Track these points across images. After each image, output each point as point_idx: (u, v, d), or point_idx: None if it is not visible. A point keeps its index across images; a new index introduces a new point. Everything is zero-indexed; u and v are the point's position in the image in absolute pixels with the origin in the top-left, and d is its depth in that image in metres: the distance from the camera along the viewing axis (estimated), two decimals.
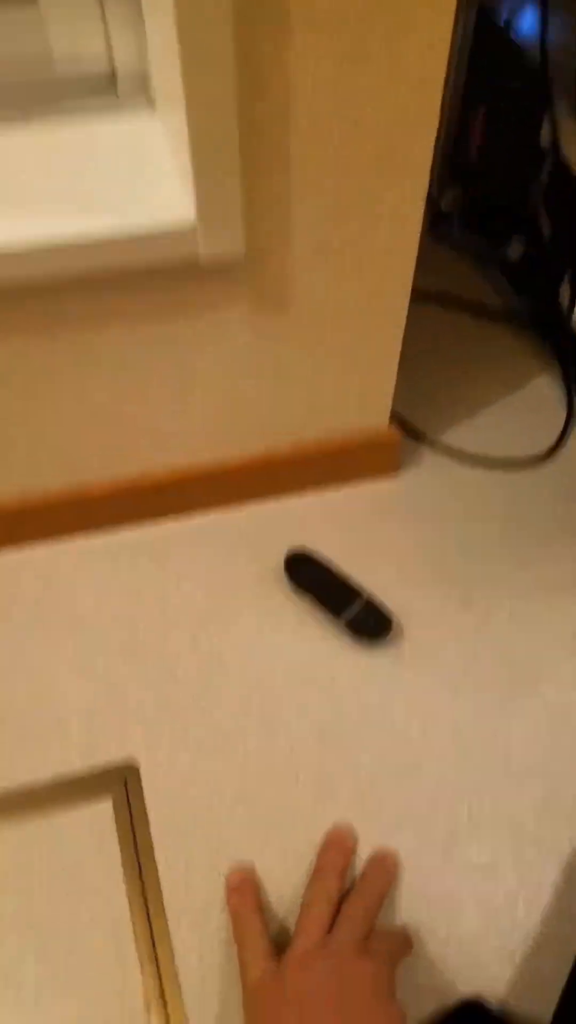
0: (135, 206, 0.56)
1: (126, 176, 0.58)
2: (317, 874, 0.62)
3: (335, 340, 0.72)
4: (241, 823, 0.67)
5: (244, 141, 0.54)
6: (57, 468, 0.78)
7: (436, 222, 1.17)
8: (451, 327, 1.10)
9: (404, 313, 0.73)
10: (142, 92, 0.63)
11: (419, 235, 0.65)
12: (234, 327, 0.67)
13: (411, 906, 0.62)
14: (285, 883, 0.64)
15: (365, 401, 0.81)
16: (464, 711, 0.73)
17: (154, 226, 0.55)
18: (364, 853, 0.65)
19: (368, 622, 0.78)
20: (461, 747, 0.71)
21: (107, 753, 0.71)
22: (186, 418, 0.76)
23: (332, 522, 0.89)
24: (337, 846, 0.65)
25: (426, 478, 0.94)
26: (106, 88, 0.63)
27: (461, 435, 0.98)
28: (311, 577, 0.82)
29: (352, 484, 0.91)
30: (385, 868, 0.64)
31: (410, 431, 0.96)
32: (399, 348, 0.76)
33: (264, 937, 0.58)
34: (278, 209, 0.59)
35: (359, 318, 0.71)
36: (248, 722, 0.73)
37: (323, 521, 0.89)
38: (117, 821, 0.67)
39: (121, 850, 0.65)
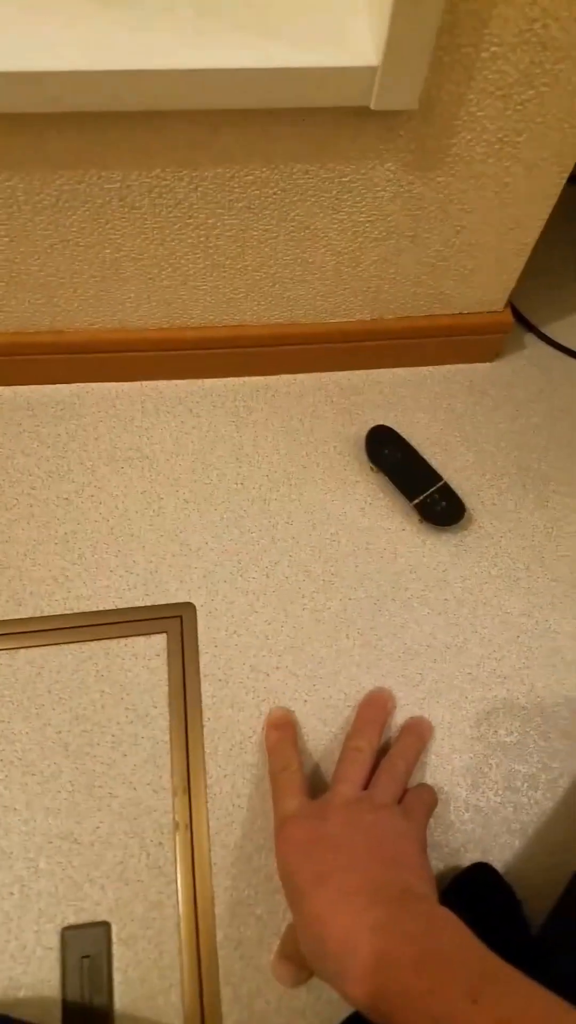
0: (312, 39, 0.53)
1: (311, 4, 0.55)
2: (358, 725, 0.72)
3: (479, 212, 0.71)
4: (286, 671, 0.75)
5: None
6: (157, 308, 0.79)
7: None
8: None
9: (556, 194, 0.70)
10: None
11: None
12: (380, 180, 0.66)
13: (437, 771, 0.72)
14: (323, 732, 0.73)
15: (489, 281, 0.81)
16: (517, 604, 0.80)
17: (332, 66, 0.53)
18: (399, 719, 0.75)
19: (439, 507, 0.83)
20: (508, 636, 0.78)
21: (167, 592, 0.78)
22: (301, 273, 0.76)
23: (423, 400, 0.91)
24: (378, 704, 0.74)
25: (525, 367, 0.95)
26: None
27: (568, 327, 0.97)
28: (391, 455, 0.86)
29: (451, 363, 0.93)
30: (420, 732, 0.73)
31: (519, 317, 0.95)
32: (539, 231, 0.75)
33: (300, 773, 0.67)
34: (461, 68, 0.56)
35: (510, 192, 0.69)
36: (306, 581, 0.80)
37: (414, 398, 0.91)
38: (169, 654, 0.75)
39: (169, 681, 0.74)
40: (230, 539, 0.81)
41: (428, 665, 0.77)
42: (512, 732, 0.74)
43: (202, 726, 0.73)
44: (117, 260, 0.71)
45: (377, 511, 0.84)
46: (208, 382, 0.90)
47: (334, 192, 0.66)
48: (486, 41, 0.55)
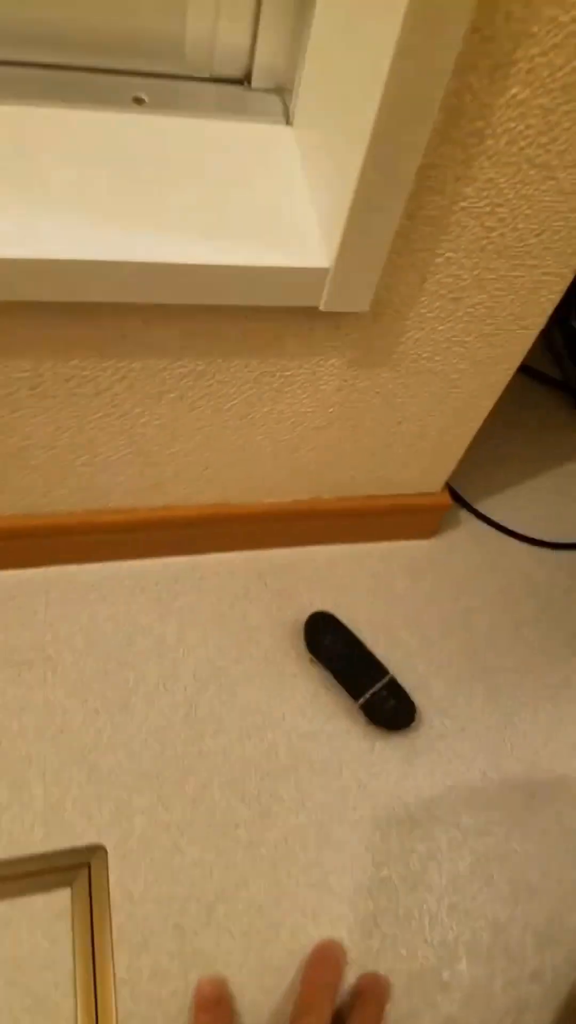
0: (260, 237, 0.49)
1: (256, 197, 0.51)
2: (306, 996, 0.60)
3: (423, 404, 0.68)
4: (218, 927, 0.63)
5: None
6: (71, 494, 0.70)
7: None
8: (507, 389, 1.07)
9: (501, 389, 0.69)
10: (277, 104, 0.56)
11: (548, 314, 0.61)
12: (324, 375, 0.61)
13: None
14: (264, 1004, 0.61)
15: (429, 465, 0.77)
16: (474, 820, 0.71)
17: (282, 266, 0.48)
18: (351, 974, 0.63)
19: (388, 707, 0.75)
20: (467, 863, 0.69)
21: (72, 831, 0.65)
22: (236, 459, 0.70)
23: (361, 581, 0.85)
24: (328, 962, 0.62)
25: (464, 544, 0.91)
26: (235, 91, 0.55)
27: (504, 505, 0.95)
28: (332, 646, 0.78)
29: (388, 540, 0.88)
30: (378, 997, 0.62)
31: (454, 495, 0.93)
32: (482, 421, 0.73)
33: None
34: (414, 271, 0.53)
35: (455, 387, 0.66)
36: (240, 806, 0.69)
37: (352, 578, 0.85)
38: (74, 915, 0.61)
39: (75, 952, 0.60)
40: (149, 757, 0.70)
41: (383, 904, 0.66)
42: (477, 978, 0.64)
43: (116, 1010, 0.59)
44: (24, 448, 0.63)
45: (319, 711, 0.75)
46: (127, 564, 0.81)
47: (276, 384, 0.61)
48: (442, 247, 0.52)
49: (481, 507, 0.94)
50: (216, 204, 0.50)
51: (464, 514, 0.93)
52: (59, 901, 0.62)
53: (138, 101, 0.54)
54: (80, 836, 0.65)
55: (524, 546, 0.92)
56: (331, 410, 0.66)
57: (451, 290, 0.56)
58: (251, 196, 0.51)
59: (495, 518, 0.93)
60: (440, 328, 0.59)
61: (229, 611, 0.80)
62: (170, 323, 0.54)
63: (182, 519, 0.76)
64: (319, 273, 0.50)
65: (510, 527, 0.93)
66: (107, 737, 0.70)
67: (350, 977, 0.63)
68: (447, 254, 0.53)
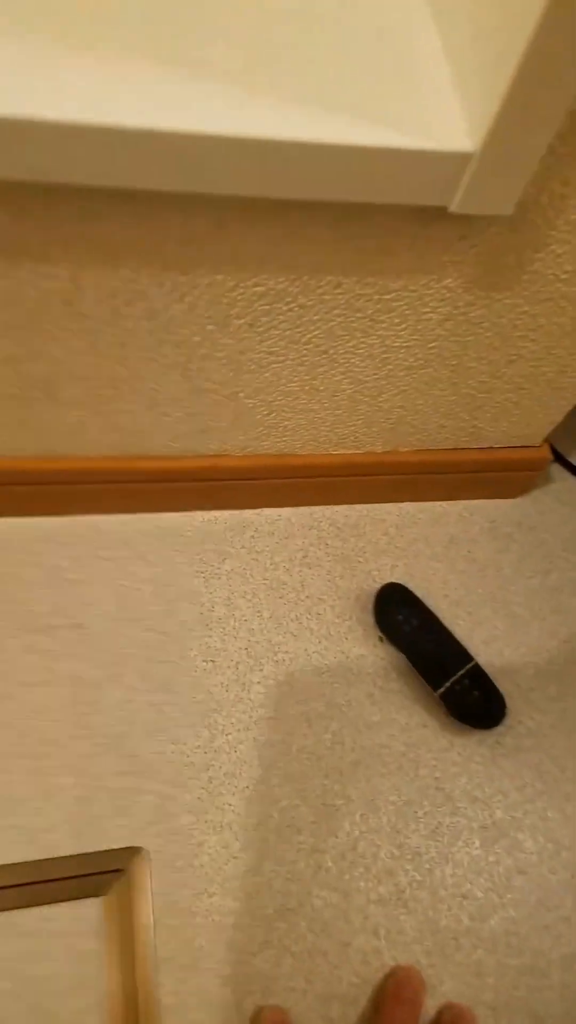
0: (383, 114, 0.36)
1: (375, 62, 0.38)
2: None
3: (544, 339, 0.55)
4: (278, 947, 0.54)
5: None
6: (104, 434, 0.59)
7: None
8: None
9: None
10: None
11: None
12: (433, 300, 0.48)
13: None
14: None
15: (532, 416, 0.64)
16: (568, 833, 0.62)
17: (410, 148, 0.35)
18: (431, 1006, 0.55)
19: (472, 699, 0.65)
20: (561, 878, 0.60)
21: (105, 833, 0.56)
22: (307, 402, 0.57)
23: (437, 546, 0.74)
24: (404, 997, 0.54)
25: (556, 506, 0.79)
26: None
27: None
28: (405, 623, 0.67)
29: (467, 499, 0.76)
30: None
31: (556, 453, 0.80)
32: None
33: None
34: (573, 163, 0.41)
35: None
36: (301, 806, 0.59)
37: (426, 542, 0.74)
38: (108, 929, 0.53)
39: (107, 974, 0.51)
40: (196, 745, 0.61)
41: (468, 925, 0.58)
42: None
43: None
44: (54, 378, 0.51)
45: (390, 700, 0.66)
46: (166, 518, 0.70)
47: (370, 311, 0.49)
48: None
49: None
50: (326, 66, 0.37)
51: (557, 470, 0.80)
52: (90, 913, 0.54)
53: None
54: (114, 837, 0.56)
55: None
56: (432, 346, 0.53)
57: None
58: (369, 60, 0.38)
59: None
60: None
61: (285, 578, 0.70)
62: (251, 224, 0.41)
63: (234, 470, 0.65)
64: (458, 160, 0.37)
65: None
66: (145, 721, 0.61)
67: (430, 1008, 0.55)
68: None
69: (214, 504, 0.70)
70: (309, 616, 0.68)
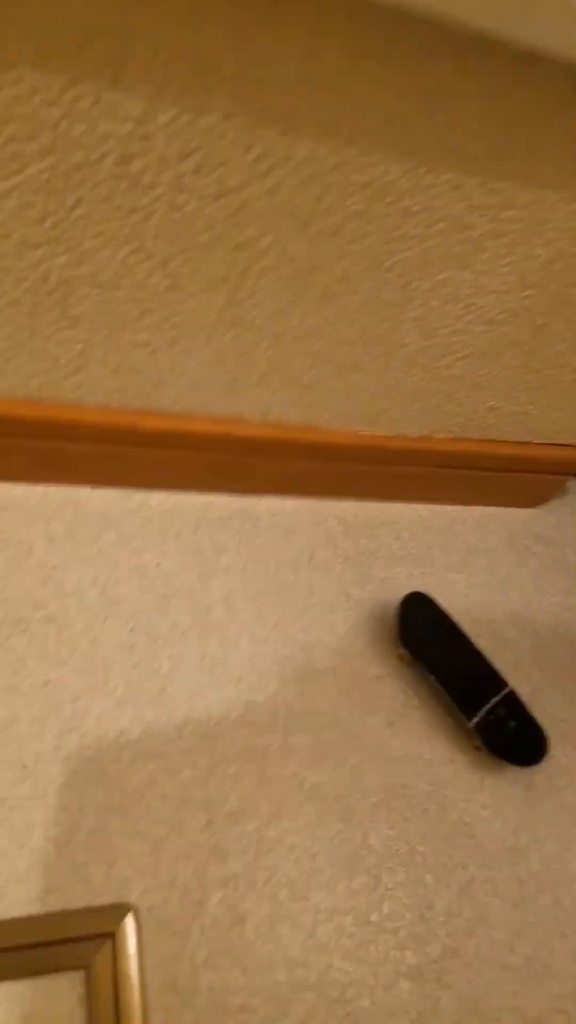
0: None
1: None
2: None
3: None
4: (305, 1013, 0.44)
5: None
6: (119, 375, 0.48)
7: None
8: None
9: None
10: None
11: None
12: (556, 226, 0.41)
13: None
14: None
15: None
16: None
17: None
18: None
19: (508, 731, 0.56)
20: None
21: (88, 883, 0.43)
22: (356, 358, 0.49)
23: (454, 555, 0.66)
24: None
25: (573, 519, 0.73)
26: None
27: None
28: (430, 638, 0.58)
29: (484, 505, 0.69)
30: None
31: None
32: None
33: None
34: None
35: None
36: (320, 854, 0.49)
37: (442, 549, 0.65)
38: (92, 1008, 0.40)
39: None
40: (193, 776, 0.49)
41: (509, 988, 0.48)
42: None
43: None
44: (71, 279, 0.40)
45: (412, 728, 0.56)
46: (156, 497, 0.59)
47: (477, 233, 0.41)
48: None
49: None
50: None
51: (572, 484, 0.75)
52: (69, 989, 0.40)
53: None
54: (98, 891, 0.43)
55: None
56: (526, 295, 0.46)
57: None
58: None
59: None
60: None
61: (291, 579, 0.60)
62: (388, 64, 0.32)
63: (248, 441, 0.55)
64: None
65: None
66: (134, 743, 0.48)
67: None
68: None
69: (214, 484, 0.60)
70: (319, 627, 0.58)
